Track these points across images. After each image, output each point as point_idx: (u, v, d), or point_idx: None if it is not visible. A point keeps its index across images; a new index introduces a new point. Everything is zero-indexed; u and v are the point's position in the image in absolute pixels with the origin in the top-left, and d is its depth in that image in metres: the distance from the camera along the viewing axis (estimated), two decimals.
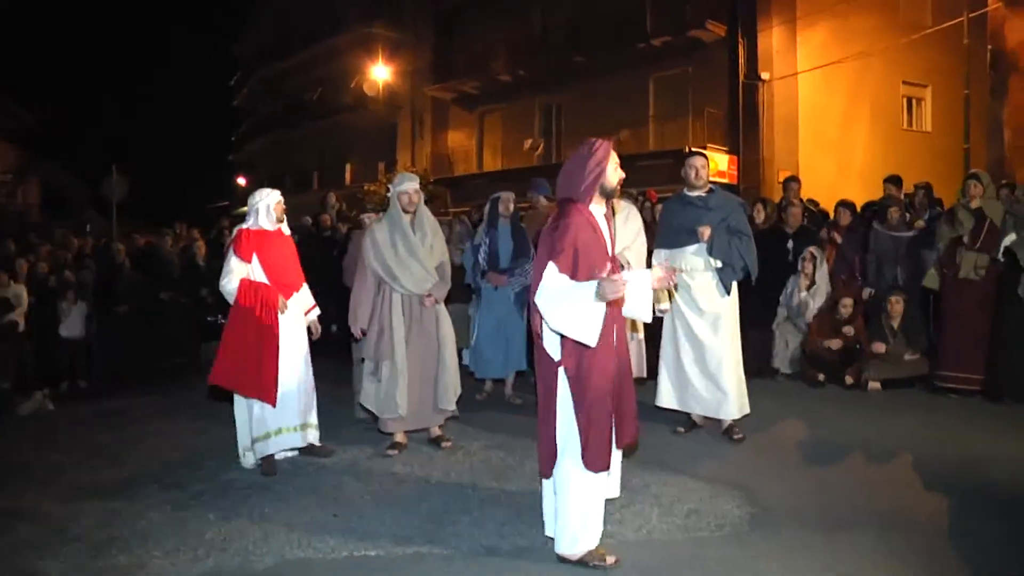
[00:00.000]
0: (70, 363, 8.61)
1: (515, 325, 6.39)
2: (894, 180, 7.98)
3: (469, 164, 22.07)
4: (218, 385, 4.88)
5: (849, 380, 6.59)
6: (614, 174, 3.37)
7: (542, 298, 3.10)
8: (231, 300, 4.80)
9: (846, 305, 6.82)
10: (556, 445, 3.28)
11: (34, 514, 4.48)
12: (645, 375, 5.77)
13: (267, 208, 5.01)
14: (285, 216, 5.15)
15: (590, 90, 18.17)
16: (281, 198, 5.11)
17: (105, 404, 7.43)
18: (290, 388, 4.91)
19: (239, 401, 4.92)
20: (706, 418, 5.38)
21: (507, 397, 6.57)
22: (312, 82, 27.00)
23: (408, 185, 5.40)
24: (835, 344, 6.69)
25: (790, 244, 7.44)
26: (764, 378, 7.00)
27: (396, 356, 5.28)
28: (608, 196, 3.43)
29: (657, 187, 9.76)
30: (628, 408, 3.47)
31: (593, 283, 3.05)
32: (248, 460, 4.96)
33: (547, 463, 3.35)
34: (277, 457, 5.01)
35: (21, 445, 6.19)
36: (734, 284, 5.19)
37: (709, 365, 5.18)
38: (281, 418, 4.89)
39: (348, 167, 26.49)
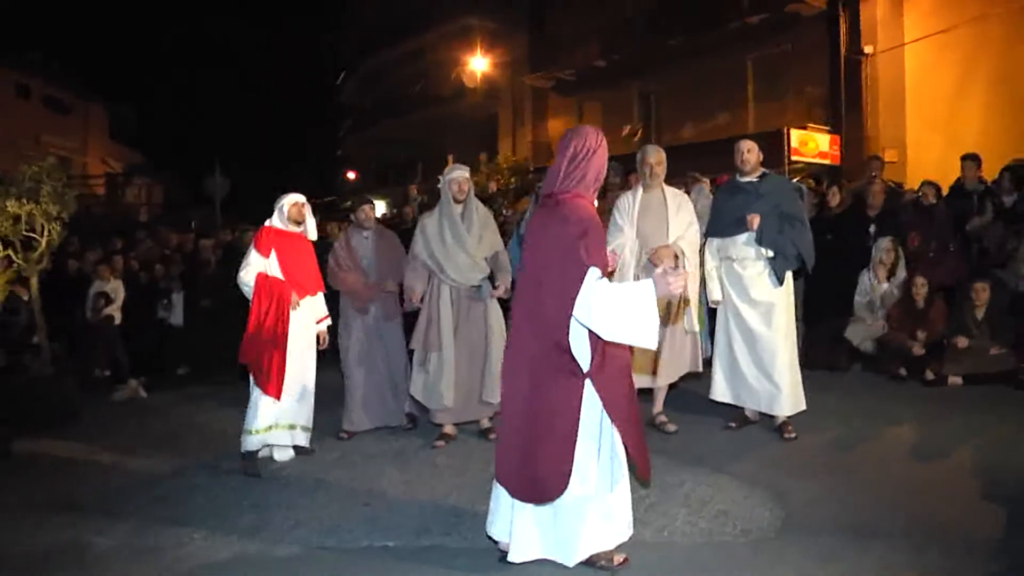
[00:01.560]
0: (168, 352, 9.15)
1: None
2: (972, 158, 7.39)
3: None
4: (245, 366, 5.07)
5: (930, 375, 6.12)
6: (607, 169, 3.25)
7: (593, 309, 2.81)
8: (248, 291, 4.96)
9: (920, 286, 6.36)
10: (572, 462, 2.99)
11: (92, 494, 4.81)
12: (700, 369, 5.57)
13: (281, 210, 5.15)
14: (306, 219, 5.24)
15: (686, 73, 17.64)
16: (299, 200, 5.21)
17: (187, 391, 7.90)
18: (292, 386, 5.02)
19: (253, 386, 5.04)
20: (760, 414, 5.16)
21: None
22: (413, 75, 27.50)
23: (457, 174, 5.42)
24: (917, 349, 6.23)
25: (872, 228, 7.01)
26: (837, 370, 6.64)
27: (444, 347, 5.33)
28: (596, 190, 3.26)
29: None
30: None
31: (650, 282, 2.85)
32: (248, 443, 4.98)
33: (560, 480, 3.00)
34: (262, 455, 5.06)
35: (107, 428, 6.63)
36: (788, 275, 4.94)
37: (762, 358, 4.96)
38: (277, 414, 5.00)
39: (449, 158, 26.86)
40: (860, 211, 7.17)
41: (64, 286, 9.12)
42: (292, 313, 4.96)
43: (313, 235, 5.34)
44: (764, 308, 4.94)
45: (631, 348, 3.17)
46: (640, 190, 5.33)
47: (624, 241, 5.27)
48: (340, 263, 5.61)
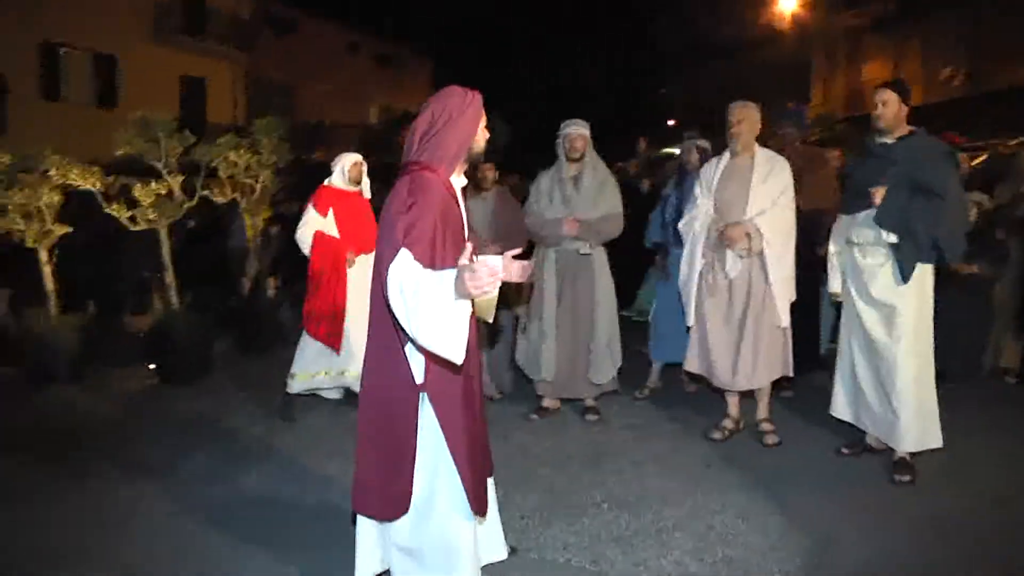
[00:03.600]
0: None
1: None
2: None
3: None
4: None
5: None
6: (482, 135, 2.65)
7: (397, 297, 2.27)
8: (305, 249, 5.02)
9: None
10: (412, 484, 2.56)
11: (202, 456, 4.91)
12: (792, 374, 4.58)
13: (342, 170, 5.11)
14: (363, 177, 5.17)
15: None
16: (358, 160, 5.15)
17: None
18: (349, 337, 5.00)
19: (304, 333, 5.10)
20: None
21: (684, 385, 5.63)
22: (726, 18, 25.90)
23: (572, 129, 5.00)
24: None
25: None
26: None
27: (544, 315, 5.05)
28: (473, 163, 2.71)
29: None
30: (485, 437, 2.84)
31: (451, 273, 2.23)
32: (293, 386, 5.10)
33: (398, 503, 2.58)
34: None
35: None
36: (923, 269, 3.78)
37: (880, 373, 3.91)
38: (327, 362, 5.07)
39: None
40: None
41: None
42: (348, 270, 5.00)
43: (368, 193, 5.27)
44: (885, 310, 3.85)
45: (474, 363, 2.67)
46: (727, 155, 4.46)
47: (697, 214, 4.48)
48: None
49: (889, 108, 3.82)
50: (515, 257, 2.92)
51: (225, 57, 21.24)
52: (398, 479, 2.55)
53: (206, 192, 7.51)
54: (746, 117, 4.43)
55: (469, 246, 2.28)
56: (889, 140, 3.87)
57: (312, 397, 5.36)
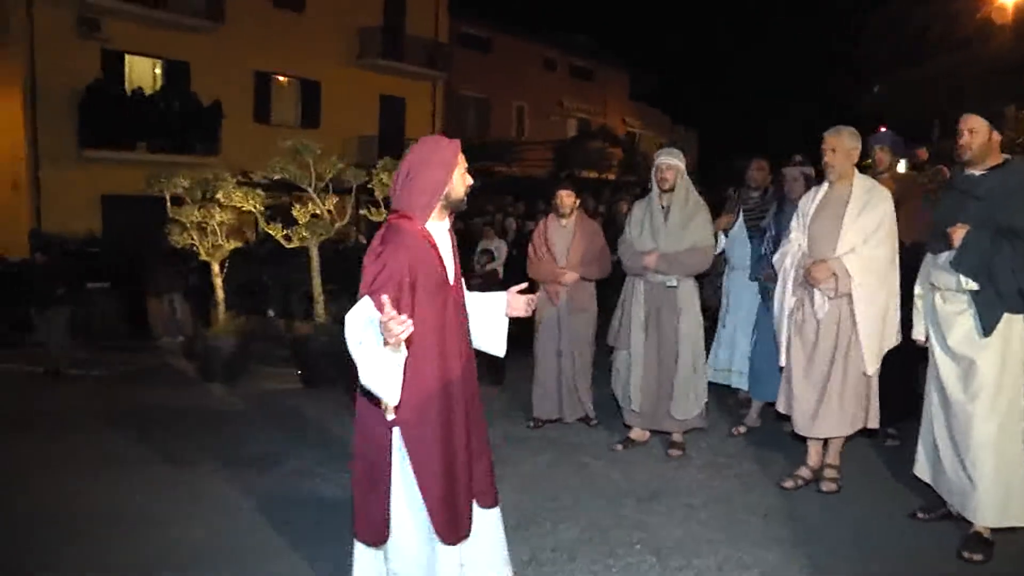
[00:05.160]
0: None
1: None
2: None
3: None
4: None
5: None
6: (461, 182, 2.69)
7: (351, 341, 2.45)
8: None
9: None
10: (388, 512, 2.69)
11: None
12: (878, 425, 4.15)
13: None
14: None
15: None
16: None
17: None
18: None
19: None
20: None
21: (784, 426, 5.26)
22: (937, 14, 23.69)
23: (662, 160, 4.95)
24: None
25: None
26: None
27: (632, 347, 5.03)
28: (455, 209, 2.76)
29: None
30: (480, 464, 2.86)
31: (376, 322, 2.37)
32: None
33: (379, 529, 2.72)
34: None
35: None
36: (1013, 321, 3.34)
37: (955, 434, 3.51)
38: None
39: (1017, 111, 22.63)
40: None
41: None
42: None
43: None
44: (963, 364, 3.44)
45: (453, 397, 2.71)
46: (825, 185, 4.15)
47: (788, 249, 4.21)
48: (536, 250, 5.57)
49: (978, 136, 3.42)
50: (520, 292, 3.01)
51: (423, 77, 22.54)
52: (377, 506, 2.72)
53: (364, 212, 8.12)
54: (839, 145, 4.13)
55: (385, 298, 2.34)
56: (976, 172, 3.47)
57: None
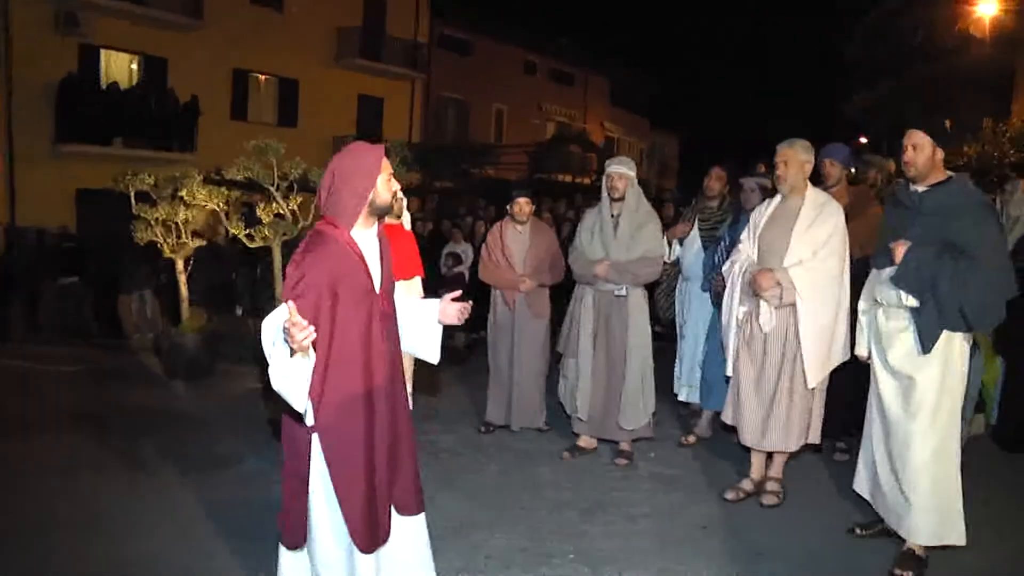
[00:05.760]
0: None
1: None
2: None
3: None
4: None
5: None
6: (385, 188, 2.67)
7: (265, 345, 2.47)
8: None
9: None
10: (307, 516, 2.71)
11: None
12: (819, 440, 4.17)
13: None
14: (404, 210, 5.13)
15: None
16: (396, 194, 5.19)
17: None
18: None
19: None
20: None
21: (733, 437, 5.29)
22: (917, 24, 23.90)
23: (613, 168, 4.96)
24: None
25: None
26: None
27: (580, 354, 5.03)
28: (380, 215, 2.74)
29: None
30: (403, 472, 2.82)
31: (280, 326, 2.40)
32: None
33: (297, 532, 2.76)
34: None
35: None
36: (951, 340, 3.34)
37: (892, 452, 3.51)
38: None
39: (947, 122, 22.79)
40: None
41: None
42: None
43: (408, 225, 5.21)
44: (903, 381, 3.44)
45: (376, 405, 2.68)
46: (778, 197, 4.16)
47: (737, 258, 4.22)
48: (491, 255, 5.55)
49: (922, 153, 3.40)
50: (454, 300, 3.00)
51: (401, 78, 22.48)
52: (297, 510, 2.72)
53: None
54: (791, 158, 4.13)
55: (292, 304, 2.34)
56: (920, 188, 3.46)
57: None
